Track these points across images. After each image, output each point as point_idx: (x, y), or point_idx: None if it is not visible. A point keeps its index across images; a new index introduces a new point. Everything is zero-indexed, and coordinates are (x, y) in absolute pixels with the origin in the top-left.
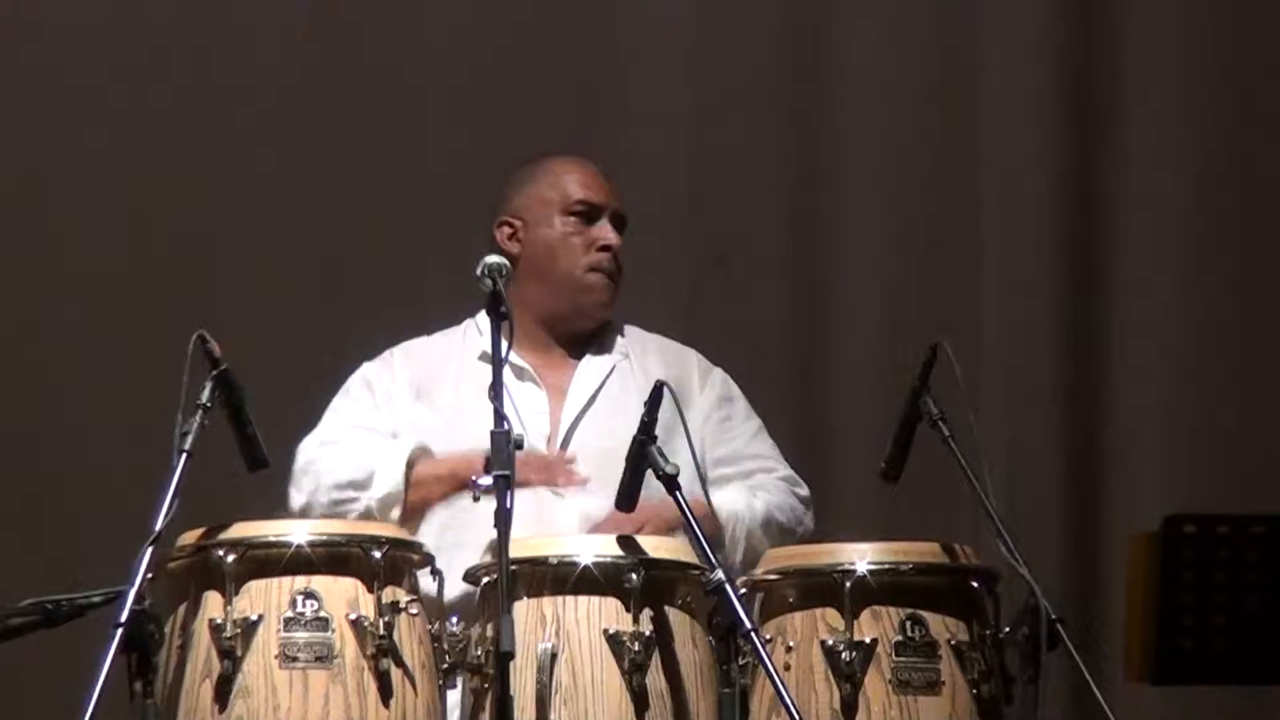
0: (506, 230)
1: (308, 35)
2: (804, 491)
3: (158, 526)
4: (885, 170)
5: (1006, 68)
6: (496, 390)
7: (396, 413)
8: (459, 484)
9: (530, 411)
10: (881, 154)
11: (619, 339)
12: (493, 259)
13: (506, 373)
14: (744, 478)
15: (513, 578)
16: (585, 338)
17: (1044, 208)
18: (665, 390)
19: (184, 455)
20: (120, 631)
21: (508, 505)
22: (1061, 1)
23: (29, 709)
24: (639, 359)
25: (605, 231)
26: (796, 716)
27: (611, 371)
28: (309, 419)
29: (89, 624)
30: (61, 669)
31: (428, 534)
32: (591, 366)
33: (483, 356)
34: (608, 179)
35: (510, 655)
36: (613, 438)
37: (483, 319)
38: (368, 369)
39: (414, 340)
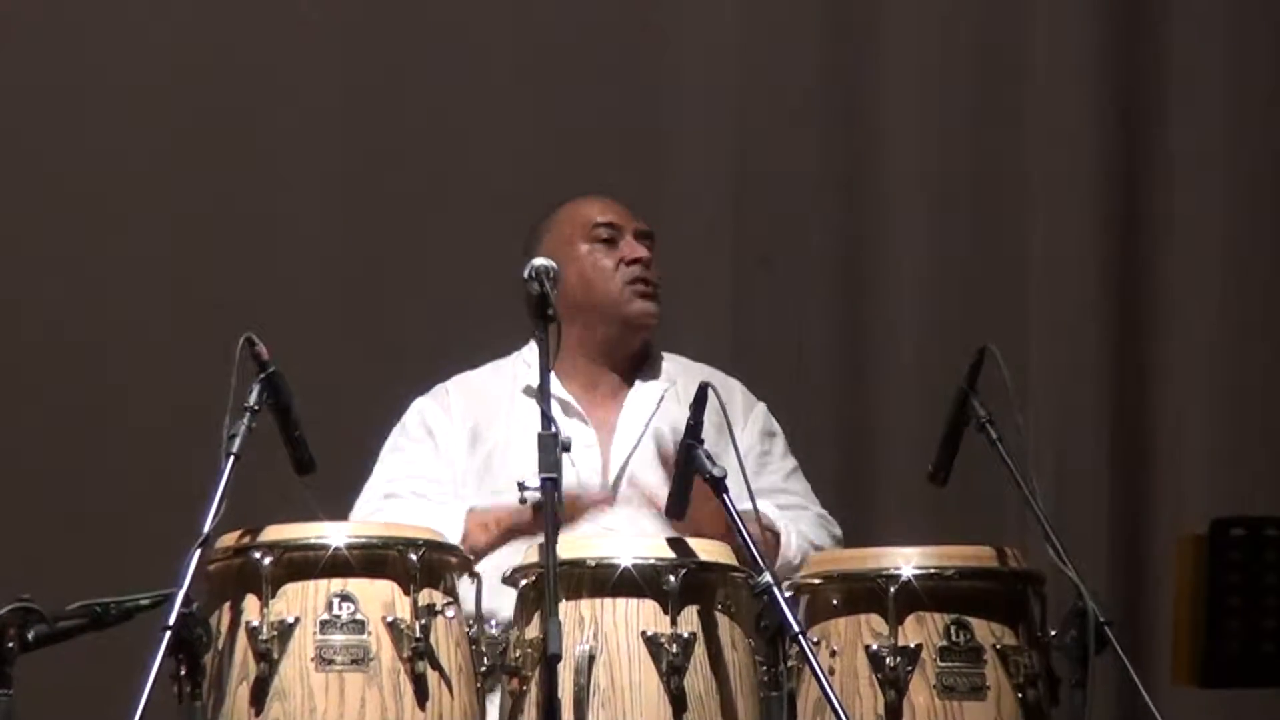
0: None
1: (355, 43)
2: (837, 530)
3: (206, 529)
4: (929, 170)
5: (1053, 66)
6: (544, 393)
7: (455, 459)
8: (507, 533)
9: (578, 447)
10: (926, 153)
11: (664, 365)
12: (540, 261)
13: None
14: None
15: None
16: (632, 365)
17: (1091, 209)
18: (710, 391)
19: (232, 458)
20: (168, 634)
21: (554, 509)
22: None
23: (79, 711)
24: (684, 390)
25: (631, 247)
26: (844, 718)
27: (660, 401)
28: (355, 422)
29: (138, 626)
30: (110, 671)
31: None
32: (639, 398)
33: (527, 391)
34: (626, 205)
35: (557, 658)
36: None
37: (529, 352)
38: (425, 408)
39: (465, 374)
